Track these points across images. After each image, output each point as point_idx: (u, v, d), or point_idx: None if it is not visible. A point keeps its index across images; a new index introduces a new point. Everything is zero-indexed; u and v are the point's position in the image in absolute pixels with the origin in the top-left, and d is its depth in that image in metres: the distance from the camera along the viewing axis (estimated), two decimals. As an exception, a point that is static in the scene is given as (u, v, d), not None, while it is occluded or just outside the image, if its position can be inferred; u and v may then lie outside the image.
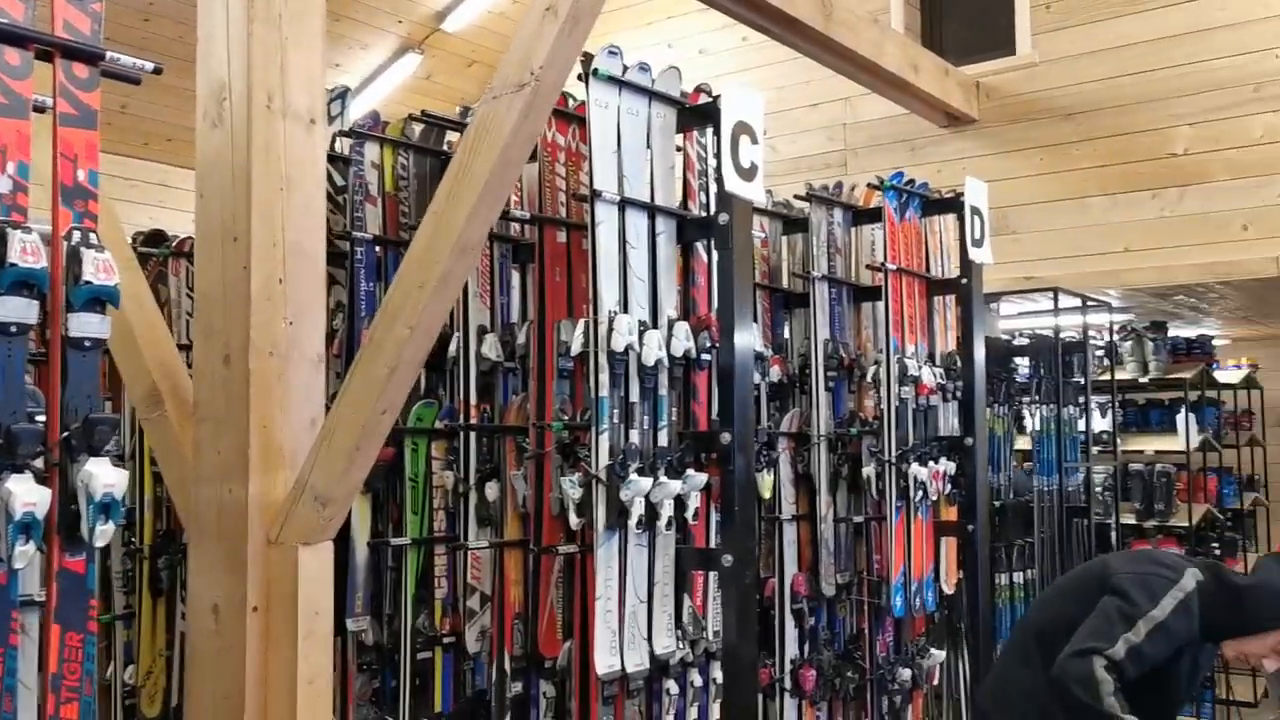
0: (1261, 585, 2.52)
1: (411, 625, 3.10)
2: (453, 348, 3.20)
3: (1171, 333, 7.09)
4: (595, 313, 2.75)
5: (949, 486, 4.07)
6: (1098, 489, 6.37)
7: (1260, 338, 8.64)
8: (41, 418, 1.78)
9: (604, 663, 2.70)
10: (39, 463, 1.73)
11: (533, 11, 2.10)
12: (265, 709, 2.29)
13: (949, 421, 4.21)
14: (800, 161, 6.09)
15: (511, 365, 3.19)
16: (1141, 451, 7.12)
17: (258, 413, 2.30)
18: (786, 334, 4.28)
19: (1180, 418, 6.82)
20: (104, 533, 1.76)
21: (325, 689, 2.33)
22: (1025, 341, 5.63)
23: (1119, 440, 6.75)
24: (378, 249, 3.14)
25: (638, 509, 2.70)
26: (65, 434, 1.75)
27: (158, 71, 1.94)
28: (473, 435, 3.12)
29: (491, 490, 3.09)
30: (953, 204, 4.13)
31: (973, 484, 4.04)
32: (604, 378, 2.73)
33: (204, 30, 2.40)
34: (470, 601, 3.11)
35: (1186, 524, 6.71)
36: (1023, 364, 5.80)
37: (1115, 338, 6.73)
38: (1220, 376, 7.71)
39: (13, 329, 1.71)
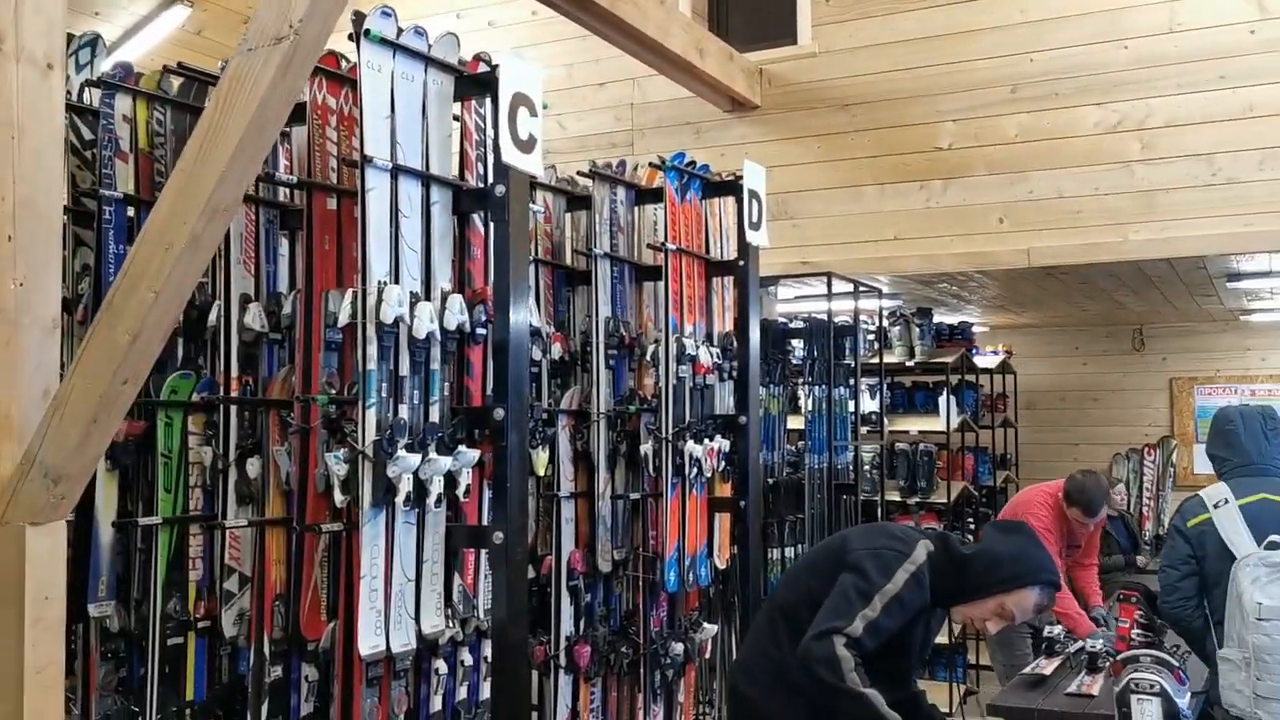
0: (983, 553, 2.69)
1: (161, 610, 2.93)
2: (213, 317, 3.03)
3: (936, 319, 7.48)
4: (364, 283, 2.65)
5: (723, 464, 4.16)
6: (866, 467, 6.67)
7: (1015, 326, 9.24)
8: None
9: (368, 644, 2.62)
10: None
11: (293, -39, 1.99)
12: (-14, 703, 2.12)
13: (725, 400, 4.29)
14: (587, 140, 6.09)
15: (277, 337, 3.04)
16: (907, 431, 7.50)
17: (-19, 381, 2.11)
18: (569, 311, 4.27)
19: (942, 400, 7.21)
20: None
21: (56, 679, 2.16)
22: (800, 324, 5.81)
23: (886, 420, 7.08)
24: (129, 209, 2.93)
25: (405, 486, 2.62)
26: None
27: None
28: (233, 409, 2.97)
29: (253, 467, 2.95)
30: (731, 187, 4.21)
31: (745, 461, 4.14)
32: (372, 350, 2.63)
33: (-77, -40, 2.17)
34: (228, 583, 2.97)
35: (945, 500, 7.11)
36: (798, 346, 5.99)
37: (885, 322, 7.04)
38: (979, 362, 8.20)
39: None
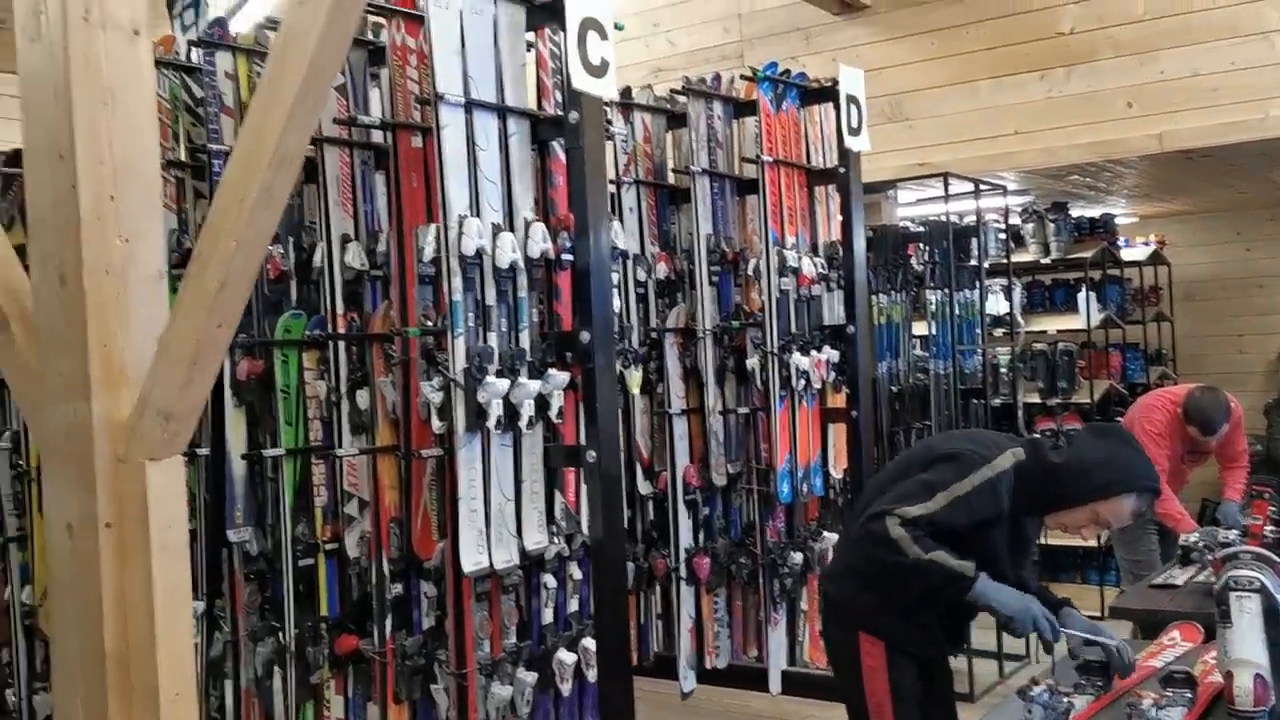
0: (1072, 461, 2.58)
1: (291, 534, 3.16)
2: (317, 258, 3.20)
3: (1075, 213, 7.17)
4: (445, 217, 2.75)
5: (834, 374, 4.15)
6: (1002, 370, 6.51)
7: (1167, 214, 8.77)
8: None
9: (470, 560, 2.77)
10: None
11: (335, -89, 2.06)
12: (125, 622, 2.34)
13: (835, 310, 4.27)
14: (696, 55, 6.01)
15: (378, 273, 3.19)
16: (1045, 332, 7.26)
17: (96, 332, 2.29)
18: (675, 231, 4.31)
19: (1081, 296, 6.95)
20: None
21: (184, 600, 2.36)
22: (921, 229, 5.68)
23: (1022, 321, 6.88)
24: (233, 161, 3.09)
25: (496, 410, 2.74)
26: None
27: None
28: (341, 344, 3.14)
29: (362, 398, 3.12)
30: (828, 93, 4.13)
31: (855, 371, 4.12)
32: (456, 282, 2.74)
33: (11, -60, 2.32)
34: (348, 508, 3.17)
35: (1089, 400, 6.88)
36: (925, 251, 5.86)
37: (1018, 220, 6.80)
38: (1127, 254, 7.83)
39: None
